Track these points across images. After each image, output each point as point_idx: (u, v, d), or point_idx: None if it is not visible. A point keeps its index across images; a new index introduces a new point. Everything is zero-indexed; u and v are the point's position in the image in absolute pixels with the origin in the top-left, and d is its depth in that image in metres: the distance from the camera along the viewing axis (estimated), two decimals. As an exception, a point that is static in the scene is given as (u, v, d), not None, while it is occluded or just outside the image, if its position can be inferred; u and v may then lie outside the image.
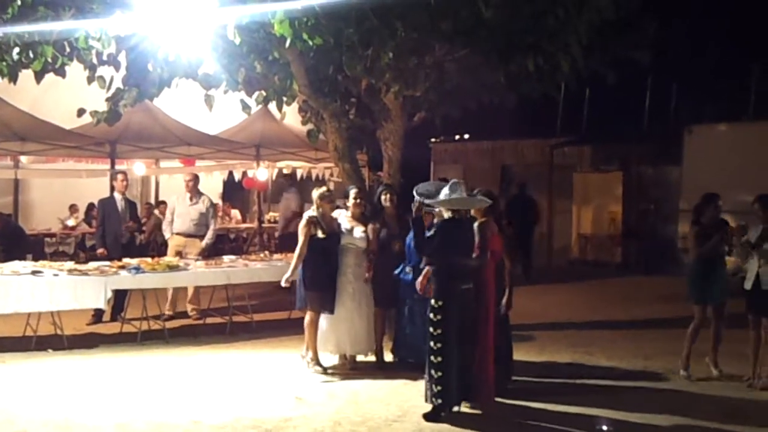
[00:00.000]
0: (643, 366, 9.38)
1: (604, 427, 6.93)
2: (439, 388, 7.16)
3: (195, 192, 12.17)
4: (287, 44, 8.77)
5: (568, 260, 20.34)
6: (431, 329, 7.22)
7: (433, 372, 7.19)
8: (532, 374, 8.83)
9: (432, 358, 7.20)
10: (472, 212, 7.63)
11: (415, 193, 7.64)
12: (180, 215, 12.11)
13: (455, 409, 7.32)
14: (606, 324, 12.11)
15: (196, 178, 12.45)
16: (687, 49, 19.96)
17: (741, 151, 16.10)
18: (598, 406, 7.64)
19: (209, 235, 12.06)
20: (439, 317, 7.21)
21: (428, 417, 7.14)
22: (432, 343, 7.21)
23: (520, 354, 9.08)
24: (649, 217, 19.65)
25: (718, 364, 8.91)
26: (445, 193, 7.38)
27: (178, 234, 12.10)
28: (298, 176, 19.59)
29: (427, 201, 7.50)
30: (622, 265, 19.26)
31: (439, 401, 7.18)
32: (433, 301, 7.26)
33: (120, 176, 12.19)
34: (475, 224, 7.52)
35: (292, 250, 10.79)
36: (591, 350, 10.12)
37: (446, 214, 7.43)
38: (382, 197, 9.24)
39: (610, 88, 11.76)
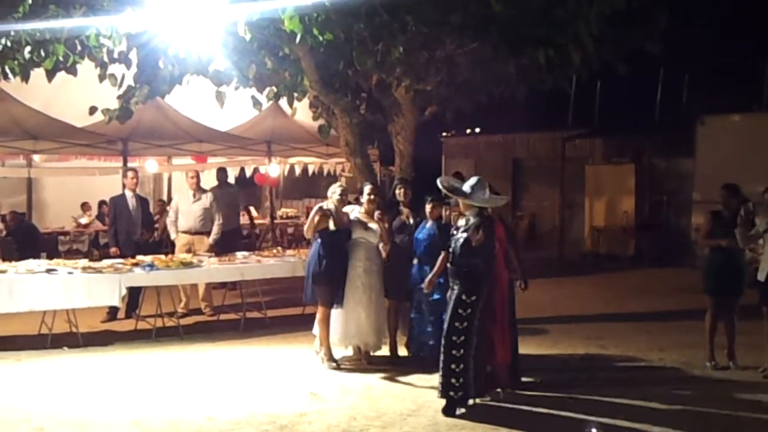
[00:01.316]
0: (658, 358, 9.35)
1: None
2: (461, 380, 7.14)
3: (198, 188, 12.23)
4: (297, 40, 8.76)
5: (581, 253, 20.30)
6: (457, 323, 7.19)
7: (453, 366, 7.15)
8: (546, 367, 8.83)
9: (454, 351, 7.16)
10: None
11: (441, 187, 7.57)
12: (184, 213, 12.16)
13: (470, 402, 7.31)
14: (620, 316, 12.08)
15: (198, 175, 12.52)
16: (698, 40, 19.84)
17: (753, 141, 16.05)
18: (613, 397, 7.64)
19: (215, 230, 12.10)
20: (469, 311, 7.19)
21: (446, 411, 7.13)
22: (455, 337, 7.18)
23: (533, 347, 9.10)
24: (662, 209, 19.60)
25: (734, 356, 8.87)
26: (470, 189, 7.37)
27: (183, 232, 12.14)
28: (301, 172, 19.60)
29: (468, 201, 7.40)
30: (635, 258, 19.20)
31: (460, 394, 7.18)
32: (464, 296, 7.21)
33: (130, 173, 12.18)
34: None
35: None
36: (605, 343, 10.10)
37: (470, 212, 7.37)
38: (397, 191, 9.27)
39: (621, 81, 11.72)
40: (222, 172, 14.66)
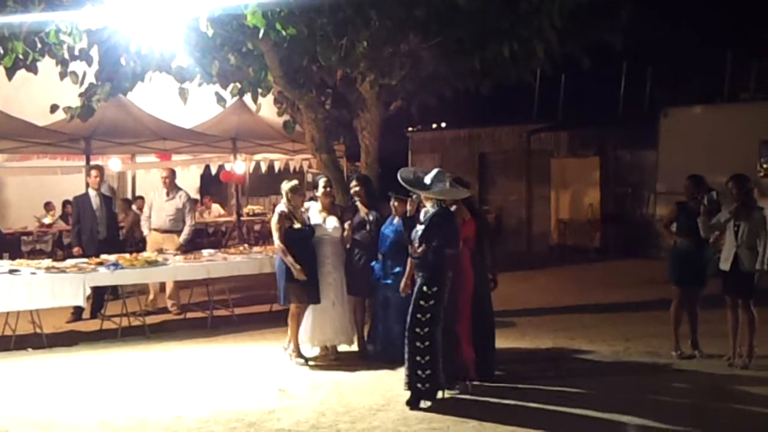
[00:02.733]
0: (624, 348, 9.43)
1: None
2: (427, 372, 7.15)
3: (172, 187, 12.10)
4: (260, 35, 8.72)
5: (548, 245, 20.42)
6: (419, 315, 7.19)
7: (419, 358, 7.16)
8: (513, 359, 8.85)
9: (418, 343, 7.17)
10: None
11: (399, 178, 7.58)
12: (156, 210, 12.05)
13: (439, 395, 7.32)
14: (586, 308, 12.16)
15: (172, 173, 12.39)
16: (661, 33, 20.02)
17: (716, 133, 16.21)
18: (580, 388, 7.70)
19: (186, 230, 12.00)
20: (432, 302, 7.19)
21: (411, 404, 7.14)
22: (419, 329, 7.18)
23: (501, 340, 9.09)
24: (627, 201, 19.77)
25: (698, 344, 8.97)
26: (430, 181, 7.38)
27: (155, 230, 12.03)
28: (267, 168, 19.41)
29: (423, 193, 7.43)
30: (600, 250, 19.35)
31: (427, 386, 7.19)
32: (425, 288, 7.22)
33: (93, 172, 12.02)
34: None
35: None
36: (572, 334, 10.16)
37: (430, 204, 7.41)
38: (351, 188, 9.26)
39: (585, 74, 11.78)
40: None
